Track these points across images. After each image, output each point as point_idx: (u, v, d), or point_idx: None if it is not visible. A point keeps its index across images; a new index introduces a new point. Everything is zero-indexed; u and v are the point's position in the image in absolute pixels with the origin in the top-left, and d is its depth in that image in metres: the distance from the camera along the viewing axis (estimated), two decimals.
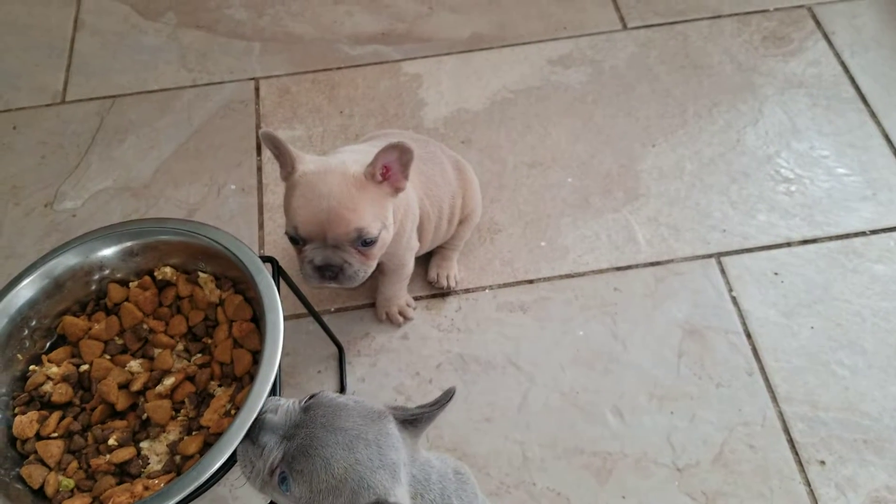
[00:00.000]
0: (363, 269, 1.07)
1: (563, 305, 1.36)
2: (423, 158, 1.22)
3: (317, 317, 1.21)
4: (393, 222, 1.08)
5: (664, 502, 1.15)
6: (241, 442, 0.78)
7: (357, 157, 1.06)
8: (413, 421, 0.78)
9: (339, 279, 1.05)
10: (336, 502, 0.70)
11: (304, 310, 1.33)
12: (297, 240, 1.04)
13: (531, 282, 1.39)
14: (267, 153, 1.57)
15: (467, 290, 1.38)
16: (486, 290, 1.38)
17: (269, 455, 0.74)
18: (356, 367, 1.30)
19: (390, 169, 1.01)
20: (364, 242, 1.03)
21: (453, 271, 1.37)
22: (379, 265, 1.23)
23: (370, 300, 1.36)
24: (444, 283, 1.35)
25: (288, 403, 0.78)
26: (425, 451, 0.82)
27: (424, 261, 1.38)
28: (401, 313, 1.33)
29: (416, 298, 1.37)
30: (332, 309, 1.36)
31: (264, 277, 0.93)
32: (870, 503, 1.15)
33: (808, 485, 1.16)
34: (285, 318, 1.31)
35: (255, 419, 0.77)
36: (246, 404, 0.83)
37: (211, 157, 1.57)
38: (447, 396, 0.79)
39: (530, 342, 1.32)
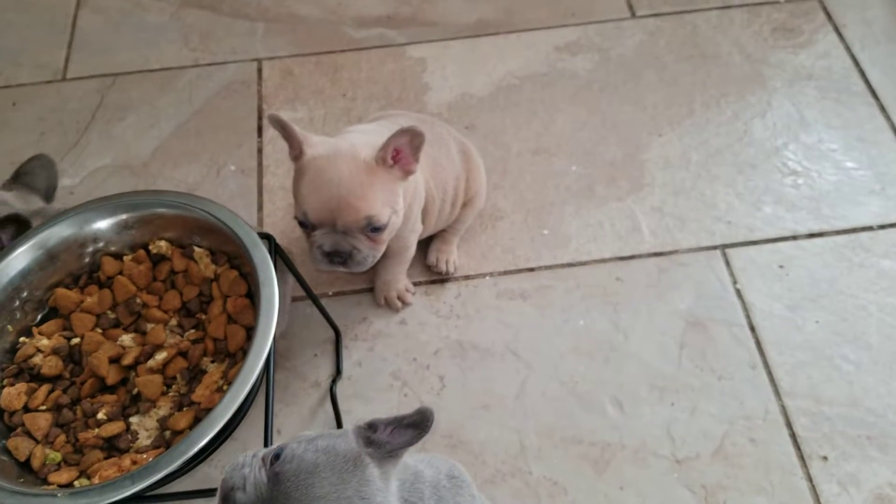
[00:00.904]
0: (372, 254, 1.05)
1: (564, 294, 1.34)
2: (429, 140, 1.20)
3: (315, 299, 1.19)
4: (403, 206, 1.06)
5: (663, 494, 1.13)
6: None
7: (367, 138, 1.04)
8: (392, 453, 0.70)
9: (347, 264, 1.05)
10: None
11: (302, 292, 1.32)
12: (306, 224, 1.02)
13: (532, 270, 1.37)
14: (268, 135, 1.55)
15: (467, 277, 1.36)
16: (487, 277, 1.36)
17: None
18: (353, 351, 1.28)
19: (401, 152, 1.00)
20: (374, 229, 1.02)
21: (453, 256, 1.35)
22: None
23: (369, 284, 1.34)
24: (444, 268, 1.33)
25: (254, 472, 0.67)
26: (413, 460, 0.78)
27: (424, 245, 1.36)
28: (399, 298, 1.31)
29: (415, 284, 1.35)
30: (331, 293, 1.35)
31: (260, 251, 0.91)
32: (872, 500, 1.13)
33: (810, 480, 1.14)
34: None
35: (224, 497, 0.66)
36: (238, 379, 0.82)
37: (211, 137, 1.55)
38: (424, 420, 0.69)
39: (530, 330, 1.30)
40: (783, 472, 1.15)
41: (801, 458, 1.16)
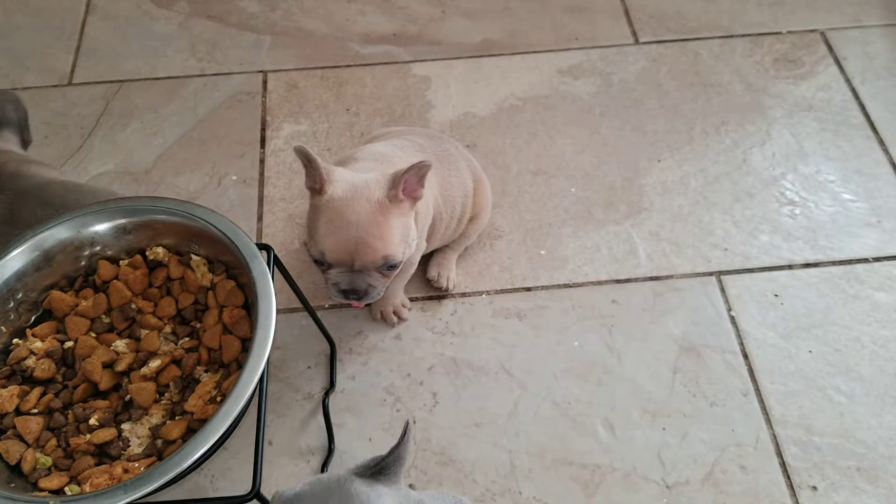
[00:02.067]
0: (384, 286, 1.07)
1: (559, 315, 1.34)
2: (438, 157, 1.21)
3: (311, 311, 1.19)
4: (416, 236, 1.07)
5: None
6: None
7: (383, 168, 1.05)
8: (381, 470, 0.72)
9: (362, 299, 1.06)
10: None
11: (298, 304, 1.32)
12: (322, 262, 1.03)
13: (529, 289, 1.37)
14: (270, 146, 1.56)
15: (464, 294, 1.37)
16: (483, 295, 1.37)
17: None
18: (347, 364, 1.28)
19: (408, 183, 1.00)
20: (389, 266, 1.03)
21: (453, 273, 1.35)
22: None
23: None
24: (444, 284, 1.33)
25: None
26: (420, 494, 0.79)
27: (423, 261, 1.36)
28: (395, 313, 1.32)
29: (412, 300, 1.35)
30: (327, 305, 1.35)
31: (259, 264, 0.91)
32: None
33: None
34: (278, 311, 1.30)
35: None
36: (233, 392, 0.82)
37: (214, 146, 1.56)
38: (405, 434, 0.73)
39: (524, 350, 1.30)
40: (772, 500, 1.15)
41: (791, 486, 1.16)
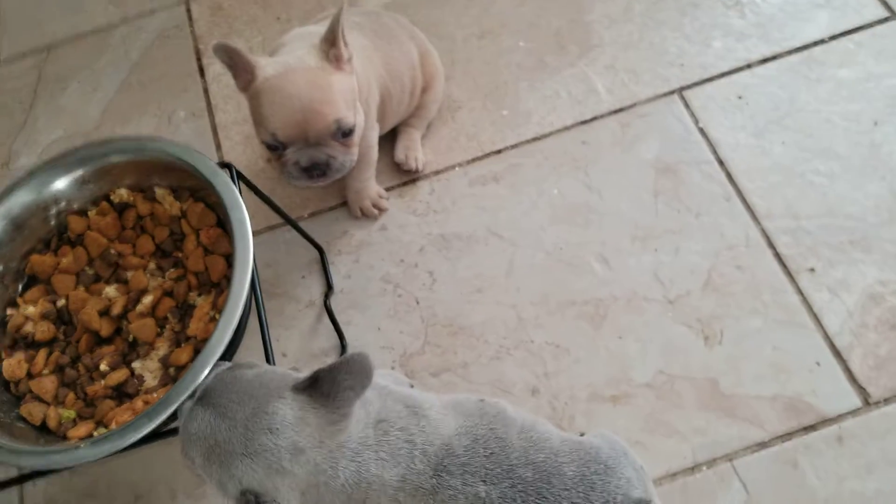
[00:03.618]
0: (348, 159, 1.05)
1: (534, 169, 1.34)
2: (376, 32, 1.19)
3: (292, 223, 1.20)
4: (360, 103, 1.06)
5: (661, 335, 1.16)
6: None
7: (309, 45, 1.03)
8: (314, 386, 0.69)
9: (328, 175, 1.04)
10: (212, 480, 0.67)
11: (277, 220, 1.33)
12: (275, 146, 1.02)
13: (499, 152, 1.37)
14: (210, 74, 1.52)
15: (437, 172, 1.37)
16: (456, 168, 1.37)
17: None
18: (339, 265, 1.29)
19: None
20: (344, 133, 1.01)
21: (420, 153, 1.35)
22: None
23: (342, 199, 1.35)
24: (413, 165, 1.33)
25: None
26: (364, 407, 0.74)
27: (389, 148, 1.36)
28: (375, 205, 1.32)
29: (387, 189, 1.35)
30: (306, 214, 1.35)
31: (221, 178, 0.91)
32: (865, 300, 1.16)
33: (801, 293, 1.17)
34: (258, 232, 1.31)
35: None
36: (228, 304, 0.83)
37: (155, 87, 1.53)
38: (346, 361, 0.69)
39: (507, 210, 1.31)
40: (773, 291, 1.18)
41: (789, 274, 1.19)
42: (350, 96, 1.02)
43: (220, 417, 0.67)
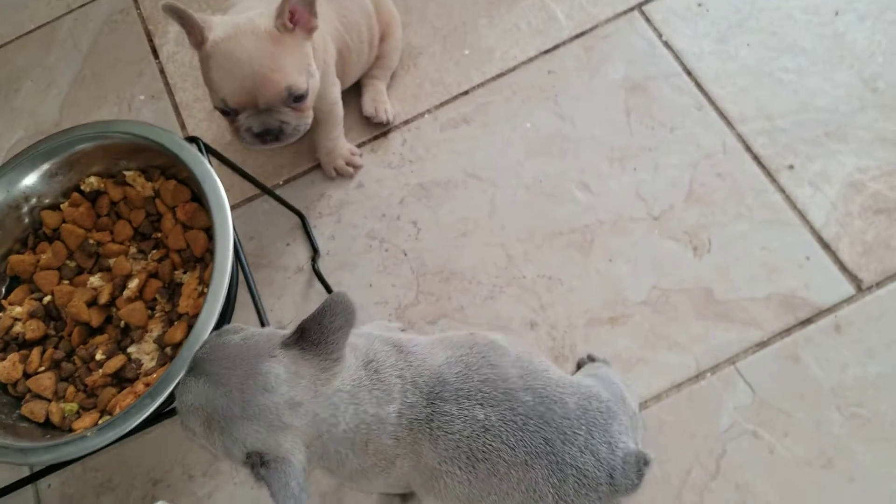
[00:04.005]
0: (302, 123, 1.04)
1: (503, 105, 1.33)
2: None
3: (267, 191, 1.18)
4: (317, 66, 1.04)
5: (650, 252, 1.16)
6: None
7: (261, 7, 1.00)
8: (302, 337, 0.69)
9: (280, 139, 1.03)
10: (216, 448, 0.67)
11: (254, 191, 1.31)
12: (227, 111, 1.00)
13: (466, 93, 1.36)
14: (165, 54, 1.49)
15: (406, 122, 1.35)
16: (426, 115, 1.35)
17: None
18: (322, 228, 1.28)
19: (297, 12, 0.96)
20: (296, 98, 1.00)
21: (388, 104, 1.33)
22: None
23: (315, 162, 1.33)
24: (383, 117, 1.31)
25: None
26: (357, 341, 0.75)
27: (356, 106, 1.34)
28: (349, 164, 1.31)
29: (358, 146, 1.34)
30: (281, 182, 1.34)
31: (189, 152, 0.90)
32: (846, 189, 1.16)
33: (783, 191, 1.18)
34: (236, 206, 1.30)
35: None
36: (213, 278, 0.83)
37: (110, 75, 1.50)
38: (328, 303, 0.68)
39: (482, 150, 1.30)
40: (755, 193, 1.18)
41: (769, 174, 1.19)
42: (303, 60, 0.99)
43: (214, 385, 0.66)
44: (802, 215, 1.15)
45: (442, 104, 1.36)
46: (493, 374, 0.74)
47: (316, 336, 0.68)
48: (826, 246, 1.13)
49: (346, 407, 0.69)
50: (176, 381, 0.78)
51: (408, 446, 0.72)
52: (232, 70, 0.96)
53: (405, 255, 1.24)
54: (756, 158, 1.20)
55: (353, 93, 1.34)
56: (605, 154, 1.25)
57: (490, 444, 0.71)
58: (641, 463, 0.73)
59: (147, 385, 0.86)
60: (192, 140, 0.94)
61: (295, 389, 0.67)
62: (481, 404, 0.72)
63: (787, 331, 1.08)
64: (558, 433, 0.71)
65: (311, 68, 1.02)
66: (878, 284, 1.09)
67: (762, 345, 1.07)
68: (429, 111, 1.35)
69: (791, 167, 1.19)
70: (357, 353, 0.73)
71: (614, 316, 1.13)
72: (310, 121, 1.06)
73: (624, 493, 0.73)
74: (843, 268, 1.11)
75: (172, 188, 0.94)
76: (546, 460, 0.71)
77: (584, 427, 0.73)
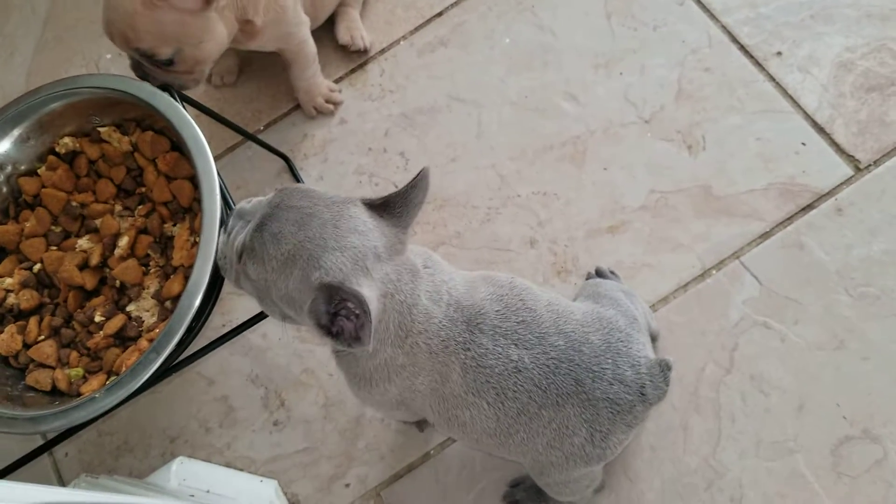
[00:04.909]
0: (187, 79, 0.99)
1: (479, 22, 1.29)
2: None
3: (249, 136, 1.16)
4: (213, 37, 0.97)
5: (644, 155, 1.14)
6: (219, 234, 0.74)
7: None
8: (386, 206, 0.70)
9: (173, 89, 0.95)
10: (289, 283, 0.65)
11: (236, 139, 1.29)
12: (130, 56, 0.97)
13: (440, 14, 1.32)
14: None
15: (382, 51, 1.31)
16: (402, 42, 1.31)
17: (235, 240, 0.70)
18: (309, 169, 1.26)
19: None
20: (163, 63, 0.94)
21: (363, 30, 1.29)
22: (280, 54, 1.17)
23: (294, 102, 1.30)
24: (360, 44, 1.28)
25: (264, 198, 0.72)
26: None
27: (328, 41, 1.30)
28: (328, 101, 1.27)
29: (335, 81, 1.30)
30: (262, 127, 1.30)
31: (162, 99, 0.87)
32: (836, 70, 1.14)
33: (773, 79, 1.15)
34: (219, 156, 1.27)
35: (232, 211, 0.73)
36: (204, 224, 0.81)
37: (72, 37, 1.45)
38: (421, 178, 0.69)
39: (463, 71, 1.27)
40: (745, 84, 1.15)
41: (758, 63, 1.16)
42: (175, 30, 0.92)
43: (308, 216, 0.65)
44: (794, 101, 1.13)
45: (417, 29, 1.32)
46: (530, 318, 0.74)
47: (400, 208, 0.69)
48: (821, 129, 1.11)
49: (408, 282, 0.69)
50: (179, 336, 0.77)
51: (438, 365, 0.72)
52: (105, 12, 0.92)
53: (396, 186, 1.22)
54: (743, 49, 1.17)
55: (326, 28, 1.30)
56: (589, 61, 1.22)
57: (521, 385, 0.72)
58: (665, 369, 0.74)
59: (150, 341, 0.85)
60: (166, 89, 0.91)
61: (378, 242, 0.67)
62: (516, 345, 0.72)
63: (789, 219, 1.06)
64: (588, 372, 0.72)
65: (189, 39, 0.94)
66: (876, 162, 1.07)
67: (765, 236, 1.06)
68: (404, 37, 1.32)
69: (779, 54, 1.16)
70: (416, 254, 0.73)
71: (614, 224, 1.11)
72: (200, 76, 1.01)
73: (657, 402, 0.74)
74: (840, 149, 1.09)
75: (150, 139, 0.91)
76: (577, 399, 0.72)
77: (609, 360, 0.74)
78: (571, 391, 0.72)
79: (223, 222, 0.82)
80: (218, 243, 0.75)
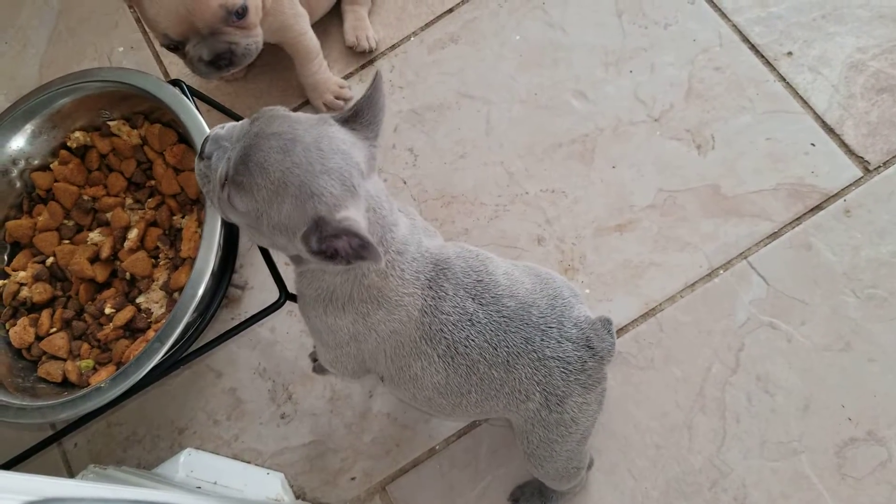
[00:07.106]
0: (252, 41, 0.99)
1: (490, 19, 1.29)
2: None
3: None
4: None
5: (653, 154, 1.14)
6: (195, 161, 0.73)
7: None
8: (356, 116, 0.69)
9: (234, 62, 0.98)
10: (281, 211, 0.64)
11: None
12: (173, 45, 0.96)
13: (451, 10, 1.32)
14: None
15: (392, 47, 1.32)
16: (412, 39, 1.32)
17: (217, 168, 0.68)
18: None
19: None
20: (237, 14, 0.94)
21: (370, 31, 1.29)
22: (283, 49, 1.17)
23: (303, 98, 1.30)
24: (367, 45, 1.28)
25: (239, 123, 0.71)
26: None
27: (339, 36, 1.30)
28: (337, 97, 1.27)
29: (345, 77, 1.31)
30: None
31: (169, 91, 0.88)
32: (847, 71, 1.13)
33: (783, 79, 1.15)
34: None
35: (205, 137, 0.71)
36: (207, 216, 0.81)
37: (86, 30, 1.46)
38: (376, 79, 0.69)
39: (473, 68, 1.27)
40: (756, 83, 1.15)
41: (768, 63, 1.16)
42: None
43: (291, 142, 0.64)
44: (805, 102, 1.13)
45: (427, 25, 1.32)
46: (488, 279, 0.76)
47: (368, 115, 0.69)
48: (830, 130, 1.10)
49: (386, 199, 0.69)
50: (182, 325, 0.78)
51: (401, 298, 0.72)
52: (162, 1, 0.91)
53: (405, 182, 1.22)
54: (754, 48, 1.17)
55: (336, 22, 1.30)
56: (599, 59, 1.22)
57: (472, 340, 0.74)
58: (607, 324, 0.76)
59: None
60: (175, 83, 0.92)
61: (360, 157, 0.67)
62: (473, 298, 0.74)
63: (797, 219, 1.06)
64: (536, 330, 0.74)
65: None
66: (886, 164, 1.07)
67: (773, 236, 1.06)
68: (414, 34, 1.32)
69: (790, 54, 1.16)
70: (392, 201, 0.73)
71: (622, 223, 1.12)
72: (259, 38, 1.01)
73: (608, 356, 0.76)
74: (849, 151, 1.09)
75: (158, 132, 0.92)
76: (527, 358, 0.74)
77: (555, 321, 0.76)
78: (521, 350, 0.74)
79: (207, 136, 0.81)
80: (196, 169, 0.72)
